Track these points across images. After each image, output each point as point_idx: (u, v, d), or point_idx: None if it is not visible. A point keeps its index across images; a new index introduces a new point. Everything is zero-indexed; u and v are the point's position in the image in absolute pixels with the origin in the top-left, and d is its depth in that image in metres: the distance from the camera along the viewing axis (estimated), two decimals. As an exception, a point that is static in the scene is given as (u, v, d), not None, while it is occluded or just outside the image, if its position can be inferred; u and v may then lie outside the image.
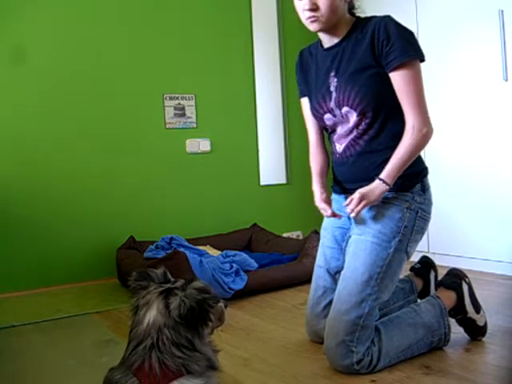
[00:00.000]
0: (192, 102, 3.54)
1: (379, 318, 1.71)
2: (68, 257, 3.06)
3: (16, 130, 2.98)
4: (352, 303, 1.62)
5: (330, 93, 1.74)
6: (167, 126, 3.46)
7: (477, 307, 1.84)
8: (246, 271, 2.68)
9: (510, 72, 2.68)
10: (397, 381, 1.56)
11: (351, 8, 1.78)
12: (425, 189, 1.74)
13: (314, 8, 1.64)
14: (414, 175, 1.71)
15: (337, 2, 1.65)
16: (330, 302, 1.78)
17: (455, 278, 1.85)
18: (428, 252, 3.11)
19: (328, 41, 1.77)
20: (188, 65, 3.52)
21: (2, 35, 2.95)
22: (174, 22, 3.48)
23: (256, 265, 2.81)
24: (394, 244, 1.66)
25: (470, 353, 1.75)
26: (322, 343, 1.75)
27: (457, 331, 1.85)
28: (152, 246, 2.97)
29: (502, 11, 2.67)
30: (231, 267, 2.62)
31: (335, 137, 1.82)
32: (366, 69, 1.66)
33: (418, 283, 2.01)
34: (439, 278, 1.98)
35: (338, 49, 1.74)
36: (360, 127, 1.72)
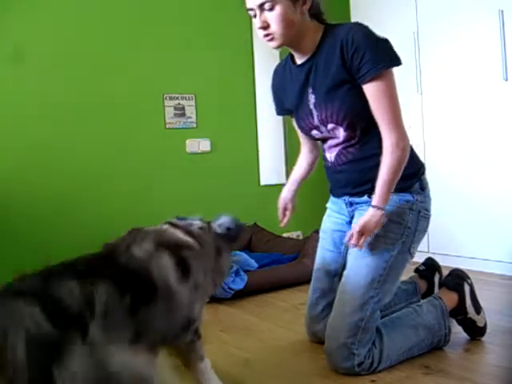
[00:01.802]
0: (192, 102, 3.53)
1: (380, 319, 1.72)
2: (68, 257, 3.05)
3: (15, 130, 2.98)
4: (354, 306, 1.61)
5: (311, 110, 1.70)
6: (167, 126, 3.45)
7: (477, 308, 1.84)
8: (245, 271, 2.68)
9: (510, 72, 2.68)
10: (397, 381, 1.56)
11: (317, 14, 1.66)
12: (423, 186, 1.72)
13: (265, 26, 1.57)
14: (412, 175, 1.69)
15: (289, 17, 1.55)
16: (328, 304, 1.78)
17: (458, 279, 1.85)
18: (428, 252, 3.11)
19: (299, 56, 1.70)
20: (188, 65, 3.51)
21: (2, 35, 2.95)
22: (174, 21, 3.47)
23: (256, 265, 2.81)
24: (398, 246, 1.65)
25: (470, 353, 1.75)
26: (321, 343, 1.75)
27: (457, 331, 1.85)
28: (152, 246, 2.96)
29: (502, 11, 2.67)
30: (231, 267, 2.62)
31: (326, 146, 1.79)
32: (342, 84, 1.60)
33: (422, 285, 2.00)
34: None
35: (310, 63, 1.66)
36: (351, 140, 1.68)
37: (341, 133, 1.68)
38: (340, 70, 1.58)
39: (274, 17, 1.54)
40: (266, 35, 1.59)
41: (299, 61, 1.71)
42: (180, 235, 1.38)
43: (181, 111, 3.49)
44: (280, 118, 3.87)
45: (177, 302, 1.26)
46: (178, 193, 3.45)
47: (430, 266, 2.04)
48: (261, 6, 1.54)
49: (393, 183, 1.58)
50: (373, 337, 1.62)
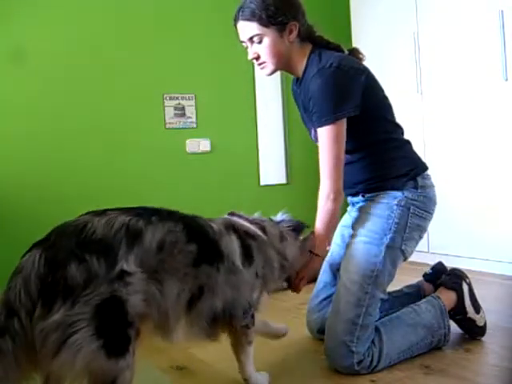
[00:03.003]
0: (192, 102, 3.54)
1: (379, 319, 1.72)
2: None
3: (15, 130, 2.98)
4: (349, 303, 1.63)
5: (310, 128, 1.82)
6: (167, 126, 3.46)
7: (477, 308, 1.84)
8: (246, 271, 2.68)
9: (509, 72, 2.68)
10: (397, 381, 1.56)
11: (309, 36, 1.76)
12: (418, 186, 1.74)
13: (256, 57, 1.72)
14: (402, 175, 1.73)
15: (277, 46, 1.68)
16: (327, 297, 1.85)
17: (456, 279, 1.86)
18: (428, 252, 3.11)
19: (295, 77, 1.83)
20: (188, 65, 3.51)
21: (2, 35, 2.95)
22: (174, 21, 3.47)
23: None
24: (386, 241, 1.67)
25: (470, 353, 1.75)
26: (321, 340, 1.76)
27: (457, 331, 1.85)
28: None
29: (502, 11, 2.67)
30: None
31: None
32: None
33: (428, 289, 2.00)
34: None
35: (303, 85, 1.76)
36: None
37: None
38: (310, 112, 1.70)
39: (263, 48, 1.69)
40: (259, 64, 1.75)
41: (298, 81, 1.83)
42: (247, 224, 1.48)
43: (181, 111, 3.49)
44: (280, 117, 3.87)
45: (240, 280, 1.35)
46: (178, 193, 3.45)
47: (437, 271, 2.02)
48: (251, 39, 1.69)
49: (331, 227, 1.71)
50: (372, 335, 1.63)
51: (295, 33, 1.69)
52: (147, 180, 3.35)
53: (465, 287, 1.84)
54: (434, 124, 3.12)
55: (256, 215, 1.60)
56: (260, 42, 1.68)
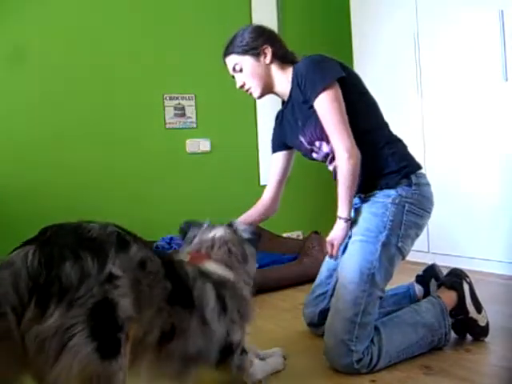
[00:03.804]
0: (192, 102, 3.54)
1: (379, 319, 1.73)
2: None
3: (16, 130, 2.98)
4: (347, 301, 1.64)
5: (301, 141, 1.89)
6: (167, 126, 3.46)
7: (478, 307, 1.84)
8: (245, 271, 2.68)
9: (509, 72, 2.68)
10: (397, 381, 1.56)
11: (285, 57, 1.88)
12: (412, 184, 1.75)
13: (242, 85, 1.90)
14: (394, 173, 1.75)
15: (255, 70, 1.85)
16: (322, 294, 1.94)
17: (456, 278, 1.86)
18: (428, 252, 3.11)
19: (283, 98, 1.95)
20: (188, 65, 3.52)
21: (2, 35, 2.95)
22: (175, 21, 3.48)
23: (256, 265, 2.80)
24: (382, 238, 1.69)
25: (470, 353, 1.75)
26: (320, 337, 1.76)
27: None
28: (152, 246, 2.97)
29: (502, 11, 2.67)
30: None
31: (327, 163, 1.92)
32: (312, 107, 1.75)
33: (420, 291, 2.01)
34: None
35: (291, 102, 1.87)
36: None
37: (326, 147, 1.83)
38: (304, 100, 1.79)
39: (245, 75, 1.88)
40: (246, 90, 1.91)
41: (285, 102, 1.94)
42: (219, 272, 1.47)
43: (181, 111, 3.50)
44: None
45: (213, 331, 1.35)
46: (178, 193, 3.45)
47: (429, 272, 2.03)
48: (234, 70, 1.90)
49: (349, 192, 1.71)
50: (371, 333, 1.63)
51: (269, 55, 1.85)
52: (147, 180, 3.35)
53: (465, 287, 1.84)
54: (433, 124, 3.12)
55: (220, 232, 1.61)
56: (241, 70, 1.87)
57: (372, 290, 1.65)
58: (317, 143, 1.85)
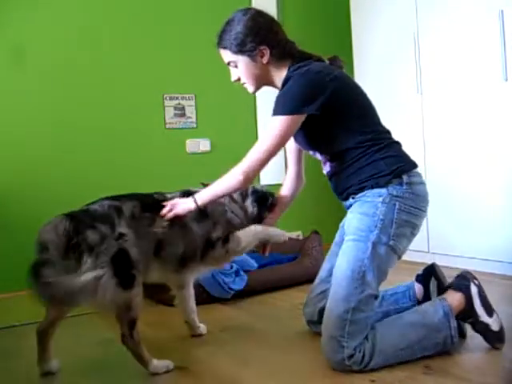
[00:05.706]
0: (192, 102, 3.54)
1: (380, 319, 1.74)
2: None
3: (16, 130, 2.98)
4: (339, 298, 1.66)
5: (299, 142, 1.93)
6: (167, 126, 3.46)
7: (489, 310, 1.77)
8: (245, 271, 2.68)
9: (509, 72, 2.68)
10: (397, 381, 1.56)
11: (286, 53, 1.85)
12: (403, 183, 1.74)
13: (237, 79, 1.92)
14: (386, 174, 1.74)
15: (251, 70, 1.86)
16: (321, 292, 1.94)
17: (463, 280, 1.81)
18: (428, 252, 3.10)
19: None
20: (188, 65, 3.52)
21: (2, 36, 2.95)
22: (174, 21, 3.48)
23: (256, 265, 2.81)
24: (372, 237, 1.69)
25: (470, 353, 1.75)
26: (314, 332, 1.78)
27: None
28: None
29: (502, 11, 2.67)
30: (231, 267, 2.61)
31: (322, 163, 1.95)
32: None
33: (419, 290, 1.99)
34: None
35: None
36: (328, 158, 1.88)
37: (320, 156, 1.90)
38: None
39: (239, 72, 1.89)
40: (242, 84, 1.93)
41: None
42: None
43: (181, 111, 3.50)
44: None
45: (192, 232, 1.84)
46: (177, 193, 3.45)
47: (429, 272, 2.01)
48: (229, 64, 1.92)
49: (218, 192, 1.86)
50: (365, 330, 1.63)
51: (267, 56, 1.83)
52: (147, 180, 3.35)
53: (473, 289, 1.78)
54: (433, 124, 3.12)
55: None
56: (236, 67, 1.88)
57: (363, 287, 1.66)
58: (310, 152, 1.92)
